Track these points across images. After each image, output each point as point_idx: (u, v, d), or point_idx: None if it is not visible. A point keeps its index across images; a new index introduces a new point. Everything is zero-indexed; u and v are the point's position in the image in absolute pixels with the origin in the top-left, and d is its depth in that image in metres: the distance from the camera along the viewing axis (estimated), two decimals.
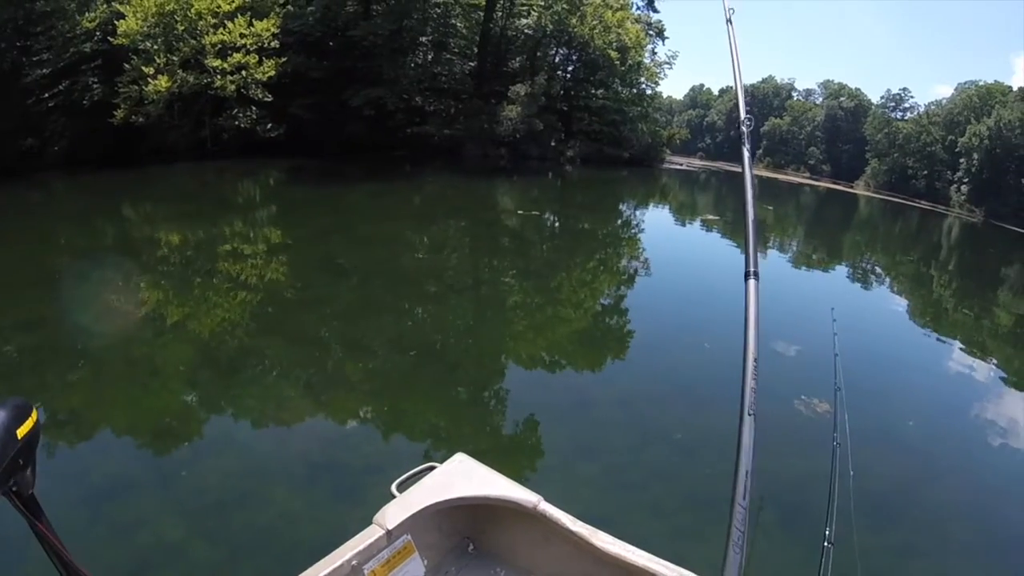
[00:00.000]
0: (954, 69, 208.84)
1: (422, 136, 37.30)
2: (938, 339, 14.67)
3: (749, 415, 2.20)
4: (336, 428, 7.16)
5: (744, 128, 3.09)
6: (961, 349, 13.81)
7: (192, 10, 29.43)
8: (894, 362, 11.53)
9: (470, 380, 8.69)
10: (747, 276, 2.55)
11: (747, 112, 3.19)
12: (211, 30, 29.86)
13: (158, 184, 25.14)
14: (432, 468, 3.19)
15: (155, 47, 28.18)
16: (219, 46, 29.82)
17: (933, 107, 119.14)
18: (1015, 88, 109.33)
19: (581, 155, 43.43)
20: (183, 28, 29.38)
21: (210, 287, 12.05)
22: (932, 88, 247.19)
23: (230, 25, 30.21)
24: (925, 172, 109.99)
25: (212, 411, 7.41)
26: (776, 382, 8.71)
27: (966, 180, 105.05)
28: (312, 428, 7.00)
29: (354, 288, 12.54)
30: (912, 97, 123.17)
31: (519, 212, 24.25)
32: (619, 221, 25.38)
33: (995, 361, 13.37)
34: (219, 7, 30.23)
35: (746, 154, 3.00)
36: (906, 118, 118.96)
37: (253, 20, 30.95)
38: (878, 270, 24.48)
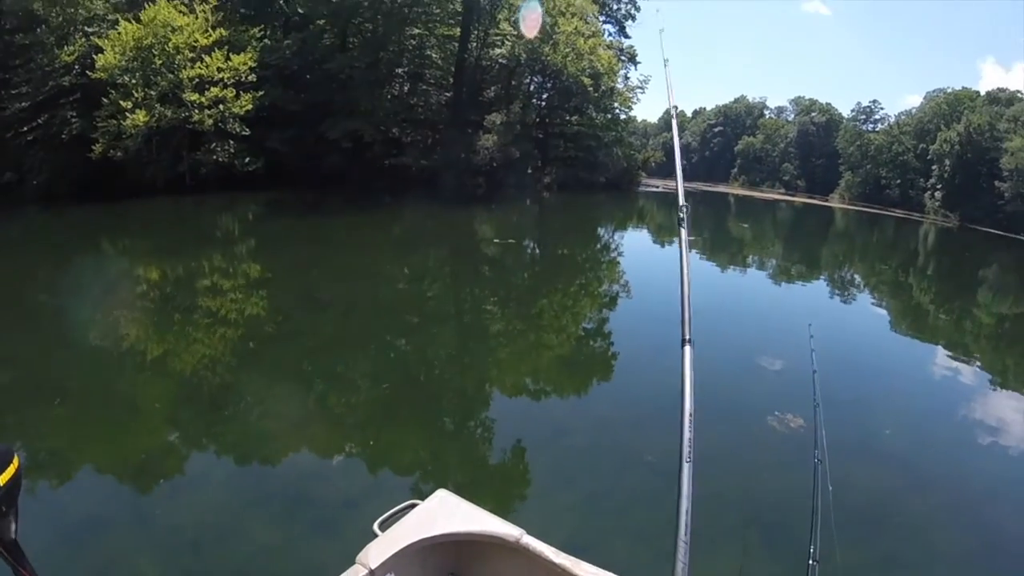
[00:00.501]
0: (922, 78, 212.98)
1: (400, 167, 37.27)
2: (918, 345, 14.89)
3: (687, 462, 2.38)
4: (317, 463, 7.09)
5: (682, 214, 3.33)
6: (943, 353, 13.99)
7: (170, 44, 29.54)
8: (873, 372, 11.58)
9: (452, 411, 8.64)
10: (683, 343, 2.78)
11: (684, 201, 3.45)
12: (189, 64, 29.97)
13: (137, 219, 25.08)
14: (414, 505, 3.19)
15: (133, 81, 28.24)
16: (196, 80, 29.93)
17: (903, 117, 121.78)
18: (983, 93, 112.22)
19: (558, 181, 43.65)
20: (161, 62, 29.45)
21: (190, 322, 11.98)
22: (902, 98, 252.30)
23: (207, 59, 30.33)
24: (899, 181, 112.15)
25: (192, 447, 7.33)
26: (757, 400, 8.76)
27: (939, 186, 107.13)
28: (293, 463, 6.93)
29: (335, 321, 12.45)
30: (882, 108, 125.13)
31: (497, 240, 24.23)
32: (598, 245, 25.49)
33: (977, 362, 13.55)
34: (196, 41, 30.35)
35: (683, 235, 3.20)
36: (877, 129, 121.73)
37: (230, 54, 31.08)
38: (857, 280, 24.70)
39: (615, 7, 60.97)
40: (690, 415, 2.50)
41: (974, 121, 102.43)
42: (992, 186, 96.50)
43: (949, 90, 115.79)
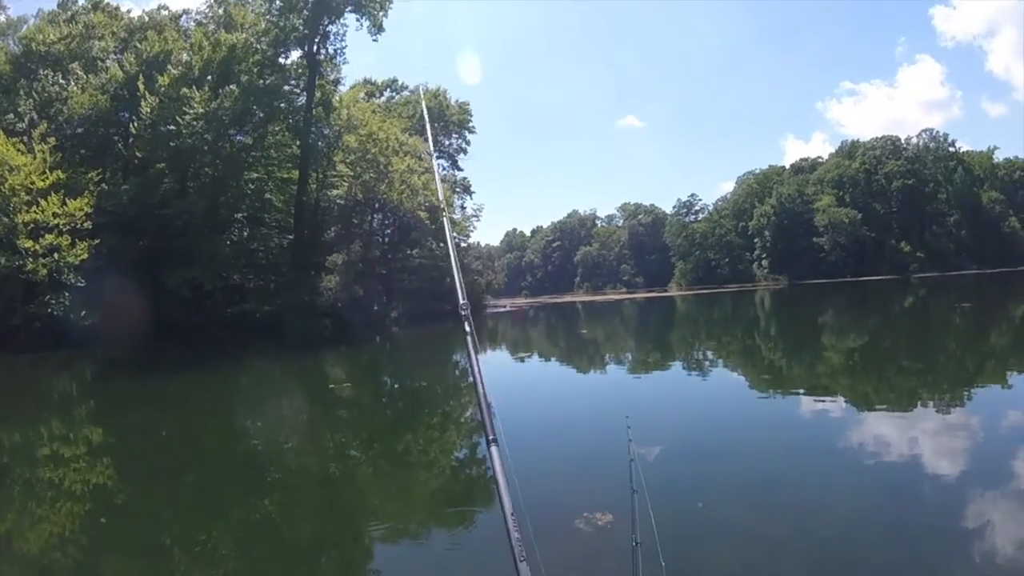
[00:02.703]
0: (733, 165, 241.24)
1: (243, 314, 36.45)
2: (774, 401, 15.29)
3: (521, 561, 2.43)
4: None
5: (463, 312, 3.61)
6: (806, 400, 14.63)
7: (6, 185, 28.53)
8: (710, 445, 11.31)
9: (333, 572, 8.09)
10: (488, 444, 2.86)
11: (464, 301, 3.75)
12: (24, 208, 28.98)
13: None
14: None
15: None
16: (32, 225, 28.92)
17: (721, 203, 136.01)
18: (788, 166, 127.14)
19: (406, 314, 44.10)
20: None
21: (33, 497, 11.30)
22: (717, 186, 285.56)
23: (43, 203, 29.44)
24: (727, 259, 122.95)
25: None
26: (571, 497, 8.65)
27: (764, 255, 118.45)
28: None
29: (191, 487, 11.34)
30: (700, 199, 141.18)
31: (349, 383, 23.70)
32: (456, 372, 25.28)
33: (840, 403, 14.23)
34: (33, 183, 29.48)
35: (469, 341, 3.39)
36: (699, 219, 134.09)
37: (67, 199, 30.34)
38: (709, 355, 25.69)
39: (447, 143, 64.27)
40: (511, 514, 2.54)
41: (784, 192, 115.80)
42: (811, 243, 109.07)
43: (758, 171, 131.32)
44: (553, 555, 6.17)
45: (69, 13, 47.11)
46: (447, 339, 38.92)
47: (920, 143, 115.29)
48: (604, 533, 7.25)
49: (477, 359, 3.23)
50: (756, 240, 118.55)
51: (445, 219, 4.82)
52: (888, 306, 44.51)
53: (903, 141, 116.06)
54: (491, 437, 2.87)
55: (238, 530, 9.26)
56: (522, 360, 29.21)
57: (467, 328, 3.41)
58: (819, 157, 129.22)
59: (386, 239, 49.32)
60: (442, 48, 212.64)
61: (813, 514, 7.54)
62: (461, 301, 3.68)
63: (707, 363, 23.38)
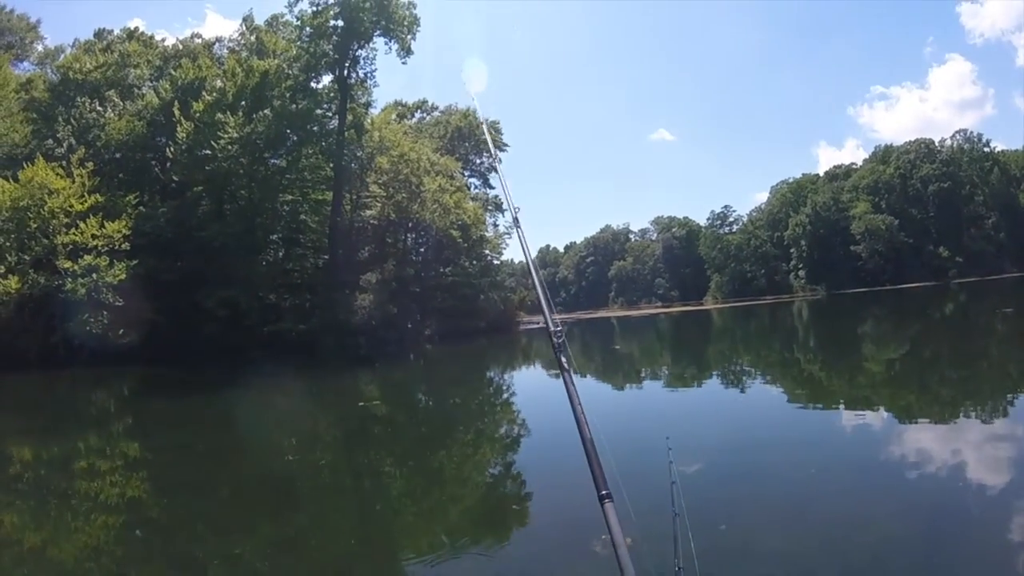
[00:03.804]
0: (766, 176, 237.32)
1: (279, 333, 36.64)
2: (815, 413, 14.99)
3: None
4: None
5: (556, 340, 3.04)
6: (846, 414, 14.34)
7: (45, 208, 29.24)
8: (745, 465, 10.86)
9: None
10: (601, 500, 2.43)
11: (557, 328, 3.13)
12: (63, 230, 29.64)
13: (7, 394, 24.07)
14: None
15: (7, 244, 27.64)
16: (71, 246, 29.52)
17: (755, 213, 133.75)
18: (822, 174, 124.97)
19: (439, 332, 44.19)
20: (36, 226, 29.05)
21: (69, 508, 11.32)
22: (751, 197, 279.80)
23: (82, 225, 30.11)
24: (763, 271, 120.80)
25: None
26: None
27: (800, 266, 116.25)
28: None
29: (225, 501, 11.57)
30: (735, 211, 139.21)
31: (384, 399, 23.70)
32: (490, 389, 25.61)
33: (880, 415, 13.85)
34: (72, 206, 30.13)
35: (565, 378, 2.88)
36: (734, 231, 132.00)
37: (105, 221, 30.94)
38: (748, 369, 25.35)
39: (478, 161, 64.70)
40: None
41: (818, 200, 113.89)
42: (848, 252, 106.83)
43: (791, 180, 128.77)
44: None
45: (105, 42, 48.42)
46: (479, 357, 38.98)
47: (954, 144, 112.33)
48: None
49: (578, 399, 2.78)
50: (792, 250, 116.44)
51: (521, 235, 3.96)
52: (928, 313, 43.82)
53: (937, 143, 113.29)
54: (603, 492, 2.43)
55: (271, 545, 9.20)
56: (557, 376, 29.04)
57: (562, 361, 2.94)
58: (853, 163, 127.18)
59: (419, 258, 49.51)
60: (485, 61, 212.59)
61: (846, 538, 7.25)
62: (553, 328, 3.12)
63: (745, 377, 23.04)
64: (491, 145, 5.61)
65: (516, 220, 4.07)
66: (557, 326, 3.10)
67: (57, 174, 31.18)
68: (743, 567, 6.86)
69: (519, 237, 3.88)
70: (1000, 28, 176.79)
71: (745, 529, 7.75)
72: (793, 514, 8.27)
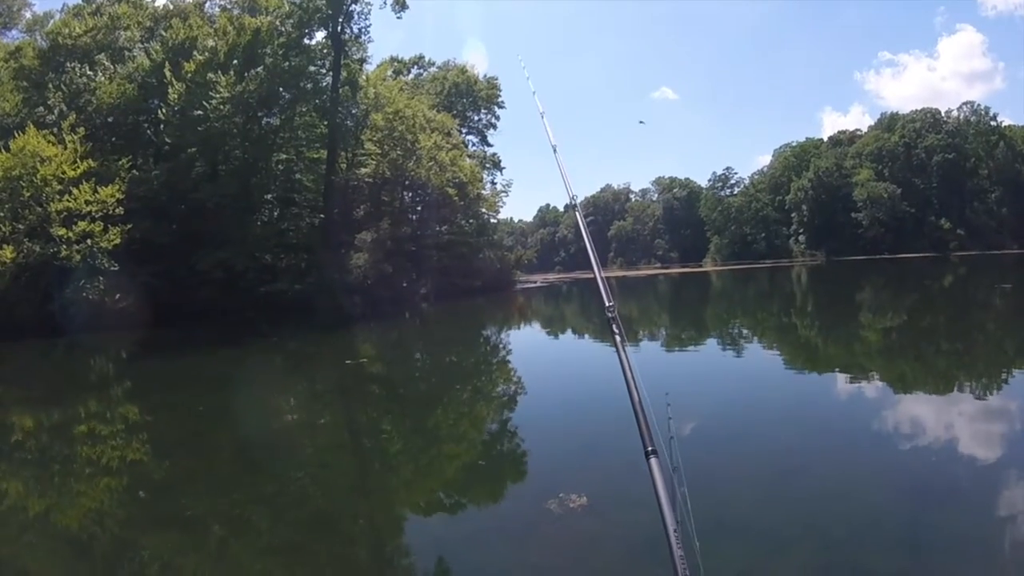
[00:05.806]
0: (769, 138, 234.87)
1: (275, 294, 36.73)
2: (811, 378, 15.37)
3: None
4: None
5: (609, 314, 3.20)
6: (840, 379, 14.51)
7: (38, 176, 29.11)
8: (733, 428, 10.97)
9: (365, 544, 8.04)
10: (647, 456, 2.56)
11: (610, 303, 3.28)
12: (57, 197, 29.53)
13: (7, 362, 24.20)
14: None
15: (1, 214, 27.58)
16: (65, 213, 29.44)
17: (757, 176, 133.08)
18: (826, 139, 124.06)
19: (435, 291, 44.07)
20: (29, 195, 28.94)
21: (71, 473, 11.39)
22: (753, 160, 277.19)
23: (75, 191, 29.99)
24: (763, 234, 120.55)
25: None
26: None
27: (801, 231, 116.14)
28: None
29: (227, 460, 11.65)
30: (736, 173, 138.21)
31: (382, 357, 23.94)
32: (487, 347, 25.72)
33: (871, 381, 14.06)
34: (64, 173, 29.99)
35: (618, 343, 3.05)
36: (735, 193, 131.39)
37: (98, 186, 30.80)
38: (745, 332, 25.30)
39: (476, 119, 64.20)
40: (675, 530, 2.29)
41: (822, 165, 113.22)
42: (849, 219, 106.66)
43: (795, 143, 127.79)
44: None
45: (94, 6, 47.40)
46: (476, 316, 39.04)
47: (961, 116, 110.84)
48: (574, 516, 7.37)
49: (630, 361, 2.93)
50: (793, 215, 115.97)
51: (578, 215, 4.32)
52: (927, 284, 43.65)
53: (943, 114, 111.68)
54: (649, 448, 2.59)
55: (272, 503, 9.24)
56: (552, 335, 29.24)
57: (615, 330, 3.11)
58: (857, 130, 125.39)
59: (415, 216, 49.31)
60: (485, 26, 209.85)
61: (827, 511, 7.19)
62: (607, 303, 3.26)
63: (741, 340, 23.03)
64: (549, 137, 5.51)
65: (575, 206, 4.45)
66: (610, 302, 3.27)
67: (49, 141, 30.93)
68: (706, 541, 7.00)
69: (579, 223, 4.19)
70: (1014, 2, 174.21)
71: (719, 501, 7.56)
72: (772, 485, 8.27)
